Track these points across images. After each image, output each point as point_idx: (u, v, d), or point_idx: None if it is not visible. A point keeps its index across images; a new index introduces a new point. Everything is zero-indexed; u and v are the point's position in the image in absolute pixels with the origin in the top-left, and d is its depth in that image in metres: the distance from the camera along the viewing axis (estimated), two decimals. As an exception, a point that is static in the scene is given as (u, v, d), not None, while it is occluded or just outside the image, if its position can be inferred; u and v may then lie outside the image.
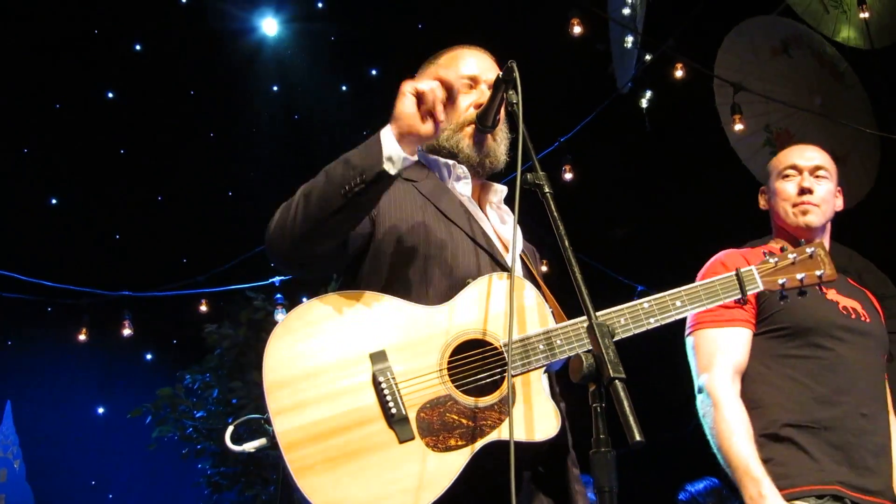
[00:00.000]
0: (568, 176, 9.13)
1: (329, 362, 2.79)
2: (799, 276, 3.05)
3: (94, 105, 10.76)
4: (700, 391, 3.77)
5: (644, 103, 8.81)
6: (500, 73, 2.98)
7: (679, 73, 8.59)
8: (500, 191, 3.30)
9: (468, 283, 2.92)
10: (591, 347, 2.60)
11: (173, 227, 11.26)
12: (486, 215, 3.28)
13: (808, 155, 4.11)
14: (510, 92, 2.99)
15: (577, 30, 8.36)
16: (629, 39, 8.45)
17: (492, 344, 2.82)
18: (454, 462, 2.71)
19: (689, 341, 3.92)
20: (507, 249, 3.18)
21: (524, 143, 2.84)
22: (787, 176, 4.07)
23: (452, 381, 2.78)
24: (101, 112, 10.71)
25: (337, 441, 2.72)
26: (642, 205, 11.02)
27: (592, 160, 9.44)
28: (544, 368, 2.84)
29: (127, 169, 11.05)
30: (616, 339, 2.68)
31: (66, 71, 10.31)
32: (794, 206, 4.01)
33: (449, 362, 2.80)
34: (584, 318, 2.68)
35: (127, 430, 10.48)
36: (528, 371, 2.82)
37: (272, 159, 11.36)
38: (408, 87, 2.75)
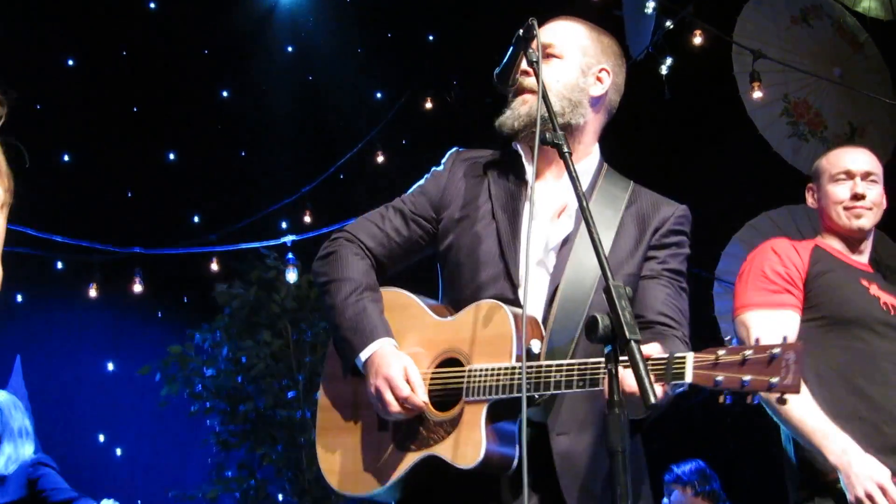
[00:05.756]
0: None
1: None
2: (744, 378, 2.50)
3: (107, 62, 10.71)
4: None
5: (664, 70, 8.71)
6: (521, 30, 2.97)
7: (697, 41, 8.51)
8: (578, 161, 3.29)
9: (475, 303, 3.06)
10: (510, 395, 2.85)
11: (186, 185, 11.24)
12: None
13: (860, 160, 4.22)
14: (530, 50, 2.97)
15: (597, -7, 8.29)
16: (650, 5, 8.34)
17: (463, 365, 2.97)
18: (401, 462, 3.00)
19: (738, 321, 4.01)
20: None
21: (546, 102, 2.85)
22: (838, 180, 4.18)
23: (429, 392, 3.01)
24: (114, 69, 10.67)
25: (345, 414, 3.23)
26: (657, 172, 10.97)
27: (607, 125, 9.34)
28: (489, 404, 2.89)
29: (140, 126, 11.01)
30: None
31: (80, 27, 10.27)
32: (847, 209, 4.14)
33: (432, 373, 3.02)
34: (541, 364, 2.86)
35: (136, 386, 10.50)
36: (478, 402, 2.91)
37: (285, 119, 11.32)
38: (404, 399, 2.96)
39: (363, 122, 10.94)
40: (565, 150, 2.79)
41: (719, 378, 2.52)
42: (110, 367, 11.39)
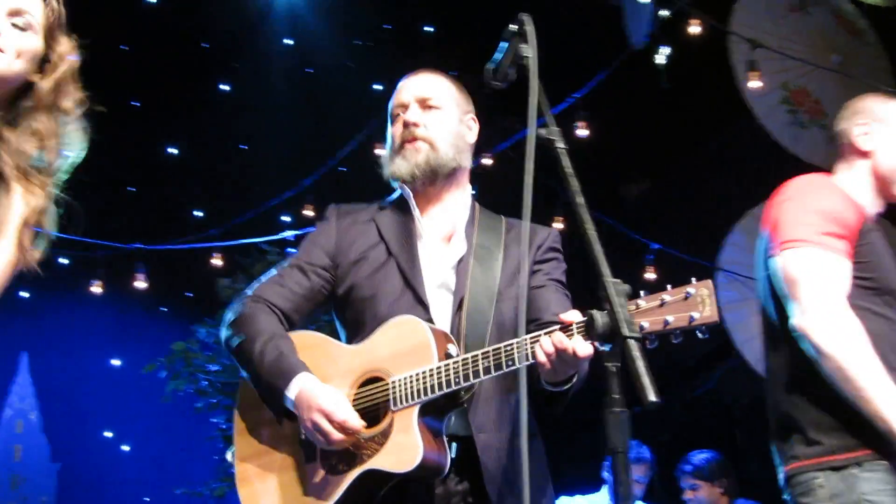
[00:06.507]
0: (583, 133, 9.01)
1: None
2: (667, 317, 2.64)
3: (106, 56, 10.70)
4: (828, 313, 3.44)
5: (661, 59, 8.69)
6: (513, 25, 2.96)
7: (695, 30, 8.47)
8: (459, 198, 3.58)
9: (385, 322, 3.20)
10: (441, 392, 2.99)
11: (187, 180, 11.25)
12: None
13: None
14: (522, 45, 2.96)
15: (593, -18, 8.27)
16: (645, -7, 8.31)
17: (384, 380, 3.10)
18: (337, 485, 3.07)
19: (787, 256, 3.61)
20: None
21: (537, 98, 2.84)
22: None
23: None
24: (114, 63, 10.66)
25: (266, 459, 3.28)
26: (657, 162, 10.96)
27: (607, 117, 9.37)
28: (418, 408, 3.01)
29: (141, 121, 11.01)
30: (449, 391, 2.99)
31: (78, 21, 10.26)
32: None
33: (355, 393, 3.14)
34: (465, 356, 3.00)
35: (142, 382, 10.52)
36: (407, 407, 3.03)
37: (285, 113, 11.32)
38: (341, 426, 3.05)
39: (363, 114, 10.93)
40: (558, 145, 2.80)
41: (644, 323, 2.66)
42: (115, 363, 11.43)
